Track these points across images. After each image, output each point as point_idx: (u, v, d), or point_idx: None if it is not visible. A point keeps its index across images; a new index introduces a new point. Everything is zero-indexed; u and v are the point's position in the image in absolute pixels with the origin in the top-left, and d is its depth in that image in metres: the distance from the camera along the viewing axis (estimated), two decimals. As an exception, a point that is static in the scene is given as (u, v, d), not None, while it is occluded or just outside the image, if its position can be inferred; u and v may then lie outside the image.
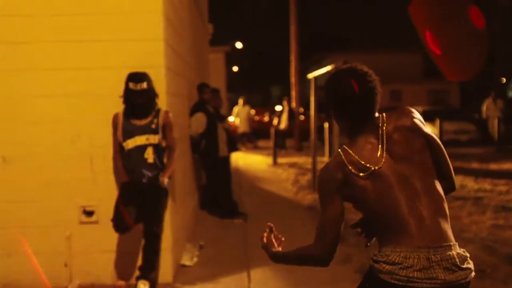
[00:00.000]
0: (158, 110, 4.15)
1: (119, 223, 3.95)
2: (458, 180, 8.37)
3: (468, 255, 1.83)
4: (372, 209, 1.86)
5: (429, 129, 1.96)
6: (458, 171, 9.81)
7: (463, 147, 15.22)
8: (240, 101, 17.71)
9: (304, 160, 12.76)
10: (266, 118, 20.84)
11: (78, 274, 4.37)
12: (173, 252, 4.49)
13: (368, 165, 1.86)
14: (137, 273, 4.10)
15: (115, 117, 4.13)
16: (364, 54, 38.84)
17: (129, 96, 4.01)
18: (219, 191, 6.72)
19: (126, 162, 4.11)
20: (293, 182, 9.59)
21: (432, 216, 1.78)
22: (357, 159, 1.87)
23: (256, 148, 17.15)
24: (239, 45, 37.88)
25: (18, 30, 4.22)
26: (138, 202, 4.05)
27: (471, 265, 1.81)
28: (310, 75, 7.35)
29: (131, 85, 3.97)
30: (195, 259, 5.03)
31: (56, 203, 4.33)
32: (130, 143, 4.08)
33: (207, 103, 6.65)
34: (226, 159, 6.90)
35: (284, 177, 10.49)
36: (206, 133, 6.48)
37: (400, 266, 1.73)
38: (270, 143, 13.35)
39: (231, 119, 20.67)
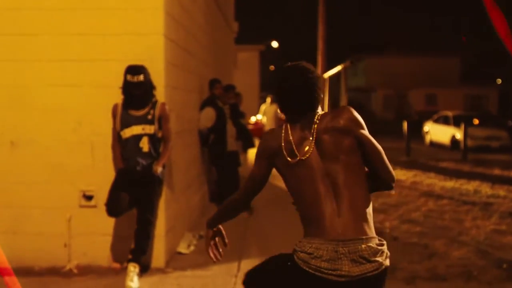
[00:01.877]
0: (155, 102, 4.34)
1: (112, 207, 4.16)
2: (473, 185, 8.34)
3: (383, 248, 1.94)
4: (293, 193, 2.02)
5: (365, 131, 2.03)
6: (476, 176, 9.76)
7: (493, 153, 14.92)
8: (268, 100, 17.80)
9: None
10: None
11: (77, 254, 4.62)
12: (166, 239, 4.68)
13: (297, 153, 2.01)
14: (129, 256, 4.31)
15: (114, 107, 4.35)
16: (400, 57, 38.46)
17: (127, 87, 4.22)
18: (225, 185, 6.87)
19: (123, 150, 4.32)
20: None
21: (347, 212, 1.92)
22: (292, 142, 2.03)
23: None
24: (275, 44, 37.97)
25: (26, 23, 4.49)
26: (132, 189, 4.25)
27: (382, 258, 1.92)
28: (326, 75, 7.42)
29: (128, 77, 4.18)
30: (191, 248, 5.21)
31: (58, 186, 4.59)
32: (127, 132, 4.29)
33: (218, 98, 6.81)
34: (234, 154, 7.05)
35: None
36: (215, 127, 6.65)
37: (311, 256, 1.90)
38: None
39: (258, 116, 20.87)
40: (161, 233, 4.61)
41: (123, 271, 4.26)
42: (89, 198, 4.58)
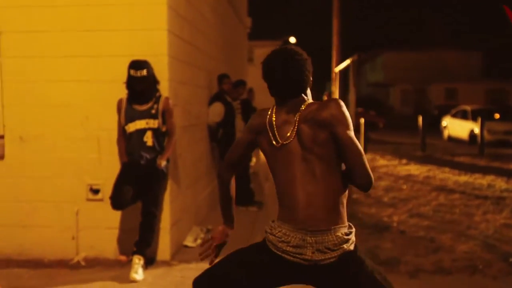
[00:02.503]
0: (159, 96, 4.39)
1: (116, 201, 4.23)
2: (488, 179, 8.23)
3: (350, 237, 1.99)
4: (273, 174, 2.12)
5: (346, 128, 1.95)
6: (492, 171, 9.63)
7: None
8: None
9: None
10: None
11: (84, 247, 4.71)
12: (171, 232, 4.74)
13: (278, 136, 2.06)
14: (133, 248, 4.37)
15: (119, 102, 4.41)
16: (418, 51, 38.00)
17: (130, 82, 4.28)
18: (236, 180, 6.90)
19: (128, 145, 4.39)
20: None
21: (318, 202, 1.96)
22: (274, 125, 2.08)
23: None
24: (292, 40, 37.88)
25: (33, 20, 4.57)
26: (136, 182, 4.31)
27: (348, 244, 1.96)
28: (336, 69, 7.40)
29: (132, 72, 4.24)
30: (198, 241, 5.25)
31: (66, 180, 4.67)
32: (131, 127, 4.35)
33: (226, 93, 6.84)
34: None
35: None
36: (224, 122, 6.68)
37: (279, 239, 2.01)
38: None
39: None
40: (167, 226, 4.67)
41: (129, 263, 4.33)
42: (96, 191, 4.66)
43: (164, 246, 4.67)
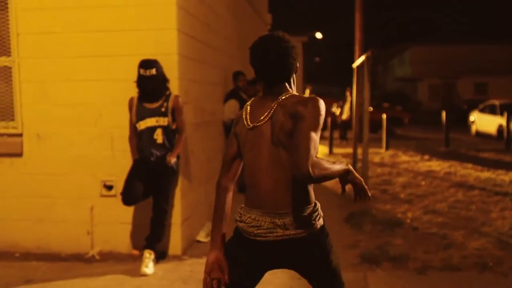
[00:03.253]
0: (169, 95, 4.49)
1: (126, 196, 4.35)
2: (511, 176, 8.02)
3: (315, 215, 2.09)
4: (243, 159, 2.18)
5: (308, 123, 1.98)
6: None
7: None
8: (307, 91, 17.80)
9: (360, 151, 12.63)
10: (334, 109, 20.73)
11: (99, 241, 4.85)
12: (183, 227, 4.83)
13: (249, 119, 2.14)
14: (145, 243, 4.48)
15: (131, 100, 4.52)
16: (447, 45, 37.26)
17: (140, 81, 4.38)
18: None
19: (138, 142, 4.50)
20: (339, 172, 9.62)
21: (284, 187, 2.06)
22: (249, 110, 2.17)
23: (321, 138, 17.12)
24: (318, 35, 37.65)
25: (49, 22, 4.72)
26: (147, 179, 4.42)
27: (314, 221, 2.09)
28: (354, 65, 7.37)
29: (141, 71, 4.34)
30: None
31: (81, 177, 4.82)
32: (142, 125, 4.46)
33: (241, 90, 6.91)
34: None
35: (334, 166, 10.52)
36: (239, 119, 6.75)
37: (249, 225, 2.09)
38: (335, 133, 13.32)
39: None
40: (178, 221, 4.77)
41: (141, 257, 4.44)
42: (109, 188, 4.79)
43: (175, 241, 4.77)
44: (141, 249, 4.61)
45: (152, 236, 4.44)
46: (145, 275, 4.25)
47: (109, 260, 4.69)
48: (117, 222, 4.83)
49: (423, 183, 7.92)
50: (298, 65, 2.21)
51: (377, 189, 7.50)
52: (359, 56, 15.21)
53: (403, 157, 11.14)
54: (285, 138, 2.03)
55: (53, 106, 4.80)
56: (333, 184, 8.52)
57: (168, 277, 4.25)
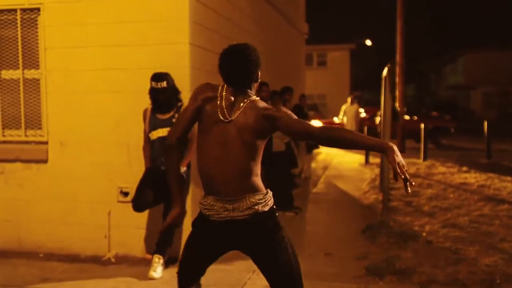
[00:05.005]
0: (180, 106, 4.68)
1: (136, 203, 4.55)
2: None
3: (262, 201, 2.41)
4: (199, 149, 2.50)
5: (284, 115, 2.37)
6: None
7: None
8: (348, 99, 17.65)
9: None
10: (377, 118, 20.45)
11: (115, 245, 5.10)
12: (194, 233, 4.99)
13: (219, 114, 2.43)
14: (155, 248, 4.68)
15: (145, 111, 4.75)
16: (502, 51, 35.83)
17: (152, 93, 4.60)
18: (272, 185, 7.06)
19: (151, 151, 4.71)
20: (370, 182, 9.56)
21: (236, 179, 2.40)
22: (224, 102, 2.44)
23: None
24: (368, 42, 37.22)
25: (74, 36, 5.05)
26: (157, 186, 4.61)
27: (260, 206, 2.40)
28: (384, 72, 7.33)
29: (153, 83, 4.56)
30: (224, 243, 5.48)
31: (100, 183, 5.09)
32: (154, 134, 4.67)
33: (264, 100, 7.01)
34: (281, 154, 7.21)
35: (367, 176, 10.46)
36: (261, 129, 6.87)
37: (205, 207, 2.49)
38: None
39: (335, 118, 20.70)
40: (188, 228, 4.91)
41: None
42: (125, 194, 5.04)
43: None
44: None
45: (161, 241, 4.63)
46: (152, 279, 4.44)
47: (124, 263, 4.92)
48: (132, 227, 5.06)
49: (452, 195, 7.75)
50: (259, 74, 2.57)
51: (402, 201, 7.41)
52: (400, 63, 15.02)
53: (440, 168, 10.90)
54: (249, 135, 2.37)
55: (75, 115, 5.10)
56: (360, 194, 8.50)
57: (174, 282, 4.36)
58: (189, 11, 4.80)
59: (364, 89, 41.90)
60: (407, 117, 16.78)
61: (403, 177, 2.14)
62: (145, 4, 4.89)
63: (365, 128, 13.24)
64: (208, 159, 2.44)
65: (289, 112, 2.42)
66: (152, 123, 4.67)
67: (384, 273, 4.42)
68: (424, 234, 5.60)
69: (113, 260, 5.00)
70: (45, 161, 5.22)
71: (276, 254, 2.42)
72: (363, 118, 18.37)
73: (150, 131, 4.69)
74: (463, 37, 43.02)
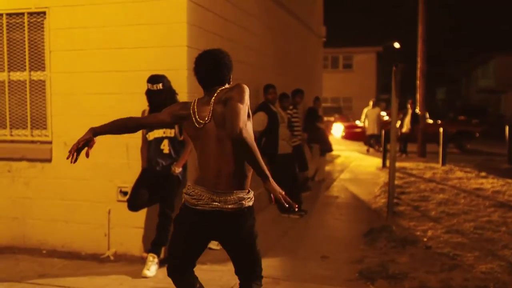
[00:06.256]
0: (177, 108, 4.75)
1: (131, 203, 4.65)
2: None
3: (246, 196, 2.66)
4: (196, 150, 2.77)
5: (235, 99, 2.50)
6: None
7: None
8: (370, 103, 17.51)
9: (415, 165, 12.28)
10: (398, 122, 20.16)
11: (115, 243, 5.20)
12: (190, 233, 5.05)
13: (200, 120, 2.67)
14: (150, 247, 4.75)
15: (143, 113, 4.83)
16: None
17: (148, 95, 4.69)
18: (279, 187, 7.07)
19: (148, 152, 4.80)
20: (382, 186, 9.47)
21: (225, 174, 2.63)
22: (196, 111, 2.70)
23: (378, 152, 16.67)
24: (397, 45, 36.77)
25: (77, 39, 5.18)
26: (152, 186, 4.70)
27: (244, 202, 2.65)
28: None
29: (149, 85, 4.64)
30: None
31: (100, 182, 5.21)
32: (151, 135, 4.76)
33: (271, 102, 7.05)
34: (287, 157, 7.22)
35: (381, 180, 10.36)
36: (267, 131, 6.90)
37: (193, 197, 2.68)
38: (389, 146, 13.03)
39: (358, 121, 20.49)
40: (185, 228, 4.99)
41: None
42: (125, 193, 5.13)
43: (182, 246, 5.00)
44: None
45: (156, 241, 4.71)
46: (145, 277, 4.51)
47: (121, 261, 5.02)
48: (131, 226, 5.16)
49: (462, 201, 7.60)
50: (231, 77, 2.79)
51: (410, 205, 7.32)
52: (422, 67, 14.81)
53: (457, 173, 10.69)
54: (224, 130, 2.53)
55: (78, 116, 5.23)
56: (370, 198, 8.42)
57: (167, 281, 4.40)
58: (187, 15, 4.87)
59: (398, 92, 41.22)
60: (430, 121, 16.53)
61: (286, 205, 2.49)
62: (145, 9, 4.98)
63: (383, 132, 13.07)
64: (203, 158, 2.69)
65: (243, 95, 2.52)
66: (149, 124, 4.75)
67: (376, 278, 4.39)
68: (425, 239, 5.52)
69: (112, 258, 5.11)
70: (49, 160, 5.37)
71: (249, 242, 2.75)
72: (385, 122, 18.16)
73: (147, 132, 4.78)
74: (494, 40, 42.03)
